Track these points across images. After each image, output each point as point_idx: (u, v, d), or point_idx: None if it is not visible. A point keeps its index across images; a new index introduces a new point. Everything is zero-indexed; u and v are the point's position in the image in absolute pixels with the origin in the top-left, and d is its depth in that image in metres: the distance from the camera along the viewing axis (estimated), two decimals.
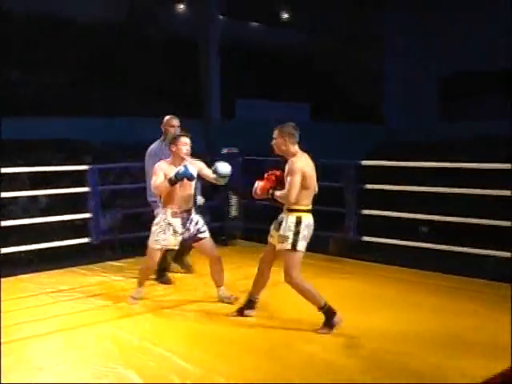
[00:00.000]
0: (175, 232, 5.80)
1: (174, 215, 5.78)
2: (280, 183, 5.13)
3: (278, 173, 5.24)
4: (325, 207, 7.13)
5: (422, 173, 9.72)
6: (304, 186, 5.01)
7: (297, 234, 4.99)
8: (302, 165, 5.04)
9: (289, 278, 5.05)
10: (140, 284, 6.10)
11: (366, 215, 8.23)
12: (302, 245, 5.03)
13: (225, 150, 8.99)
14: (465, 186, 7.45)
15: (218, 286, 6.01)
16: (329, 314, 5.02)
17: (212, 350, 4.70)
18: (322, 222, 7.09)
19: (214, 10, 17.07)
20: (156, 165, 5.81)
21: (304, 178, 5.00)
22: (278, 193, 5.08)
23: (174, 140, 5.80)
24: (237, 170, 7.40)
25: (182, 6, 18.47)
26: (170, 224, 5.77)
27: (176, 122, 6.77)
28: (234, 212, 9.28)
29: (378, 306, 5.81)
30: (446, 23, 19.54)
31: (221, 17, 17.65)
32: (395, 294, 6.24)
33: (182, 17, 18.39)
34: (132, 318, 5.57)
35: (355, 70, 20.95)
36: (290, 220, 5.03)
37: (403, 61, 20.79)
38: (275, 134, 5.16)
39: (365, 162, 8.31)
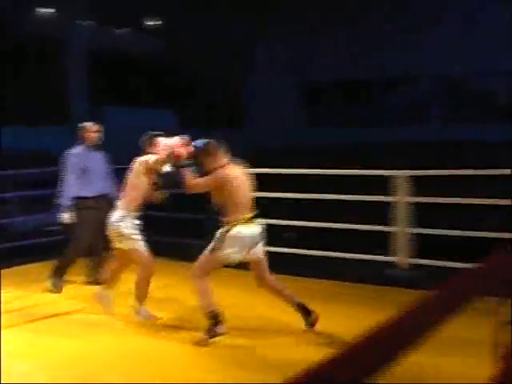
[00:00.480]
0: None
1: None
2: None
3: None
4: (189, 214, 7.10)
5: (286, 180, 9.95)
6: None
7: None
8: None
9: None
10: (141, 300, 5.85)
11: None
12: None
13: None
14: (331, 192, 7.72)
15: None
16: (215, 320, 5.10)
17: None
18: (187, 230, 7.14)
19: (79, 16, 16.70)
20: None
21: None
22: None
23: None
24: None
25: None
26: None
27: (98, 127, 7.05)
28: None
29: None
30: (311, 34, 20.17)
31: (86, 22, 17.29)
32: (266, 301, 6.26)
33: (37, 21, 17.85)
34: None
35: (217, 78, 21.12)
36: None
37: (266, 69, 21.23)
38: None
39: None
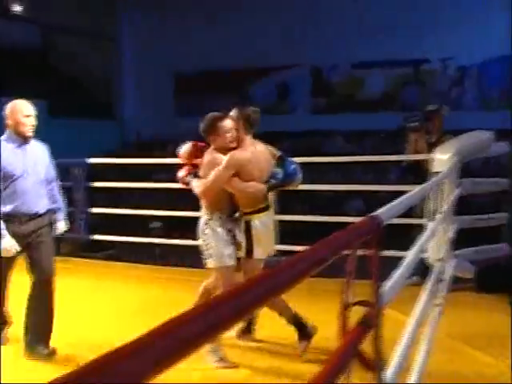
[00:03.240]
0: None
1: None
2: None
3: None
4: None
5: (159, 169, 9.90)
6: None
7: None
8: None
9: None
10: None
11: (99, 214, 8.12)
12: None
13: None
14: None
15: None
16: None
17: None
18: None
19: None
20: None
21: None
22: None
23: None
24: None
25: None
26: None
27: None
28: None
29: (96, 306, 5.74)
30: (184, 22, 20.13)
31: None
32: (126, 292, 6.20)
33: None
34: None
35: (92, 67, 20.64)
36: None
37: (140, 57, 21.02)
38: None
39: (92, 160, 8.16)
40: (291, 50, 18.20)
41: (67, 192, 8.08)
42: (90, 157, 8.39)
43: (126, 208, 8.02)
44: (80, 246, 8.42)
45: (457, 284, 5.51)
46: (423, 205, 5.02)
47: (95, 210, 8.04)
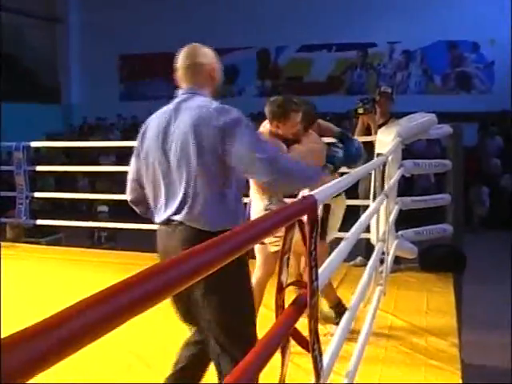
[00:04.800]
0: None
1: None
2: None
3: None
4: None
5: (102, 152, 9.75)
6: None
7: None
8: None
9: None
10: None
11: (47, 198, 7.97)
12: None
13: None
14: None
15: None
16: None
17: None
18: None
19: None
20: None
21: None
22: None
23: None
24: None
25: None
26: None
27: None
28: None
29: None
30: (131, 7, 19.91)
31: None
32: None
33: None
34: None
35: (39, 50, 20.22)
36: None
37: (83, 41, 20.71)
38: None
39: (35, 144, 7.99)
40: (239, 32, 18.13)
41: (10, 176, 7.95)
42: (35, 140, 8.22)
43: (73, 192, 7.92)
44: (25, 232, 8.27)
45: (401, 264, 5.61)
46: (367, 186, 5.07)
47: (38, 194, 7.88)
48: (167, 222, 2.47)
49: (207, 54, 2.65)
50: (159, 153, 2.50)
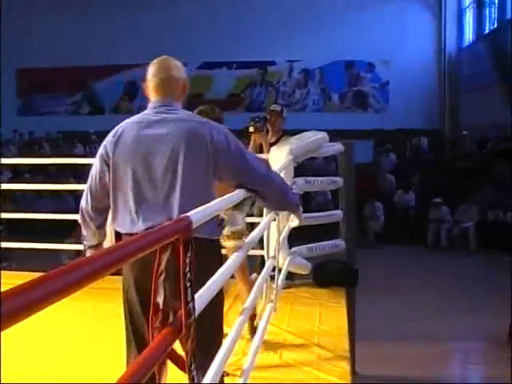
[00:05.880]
0: None
1: None
2: None
3: None
4: None
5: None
6: None
7: None
8: None
9: None
10: None
11: None
12: None
13: None
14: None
15: None
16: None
17: None
18: None
19: None
20: None
21: None
22: None
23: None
24: None
25: None
26: None
27: None
28: None
29: None
30: (29, 18, 19.45)
31: None
32: None
33: None
34: None
35: None
36: None
37: None
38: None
39: None
40: (139, 48, 18.00)
41: None
42: None
43: None
44: None
45: (294, 280, 5.70)
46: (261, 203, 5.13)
47: None
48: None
49: (180, 68, 2.71)
50: (138, 162, 2.49)
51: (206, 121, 2.64)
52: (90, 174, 2.66)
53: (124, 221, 2.53)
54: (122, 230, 2.55)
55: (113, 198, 2.57)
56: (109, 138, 2.61)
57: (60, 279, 0.98)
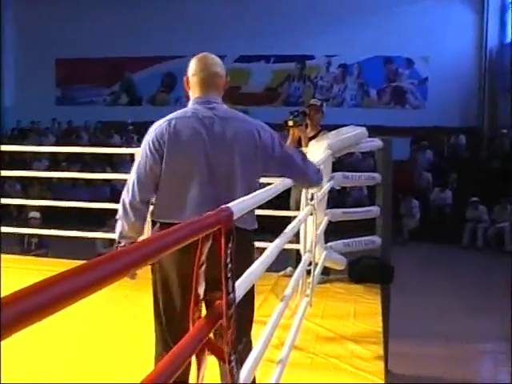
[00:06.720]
0: None
1: None
2: None
3: None
4: None
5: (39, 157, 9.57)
6: None
7: None
8: None
9: None
10: None
11: None
12: None
13: None
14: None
15: None
16: None
17: None
18: None
19: None
20: None
21: None
22: None
23: None
24: None
25: None
26: None
27: None
28: None
29: None
30: (68, 10, 19.68)
31: None
32: None
33: None
34: None
35: None
36: None
37: (22, 44, 20.39)
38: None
39: None
40: (177, 40, 18.05)
41: None
42: None
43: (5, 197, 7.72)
44: None
45: (330, 275, 5.68)
46: (298, 197, 5.12)
47: None
48: None
49: (223, 65, 2.77)
50: (195, 157, 2.55)
51: (252, 119, 2.74)
52: (137, 166, 2.64)
53: (173, 214, 2.53)
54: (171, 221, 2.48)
55: (162, 191, 2.59)
56: (159, 130, 2.60)
57: (102, 267, 0.98)
